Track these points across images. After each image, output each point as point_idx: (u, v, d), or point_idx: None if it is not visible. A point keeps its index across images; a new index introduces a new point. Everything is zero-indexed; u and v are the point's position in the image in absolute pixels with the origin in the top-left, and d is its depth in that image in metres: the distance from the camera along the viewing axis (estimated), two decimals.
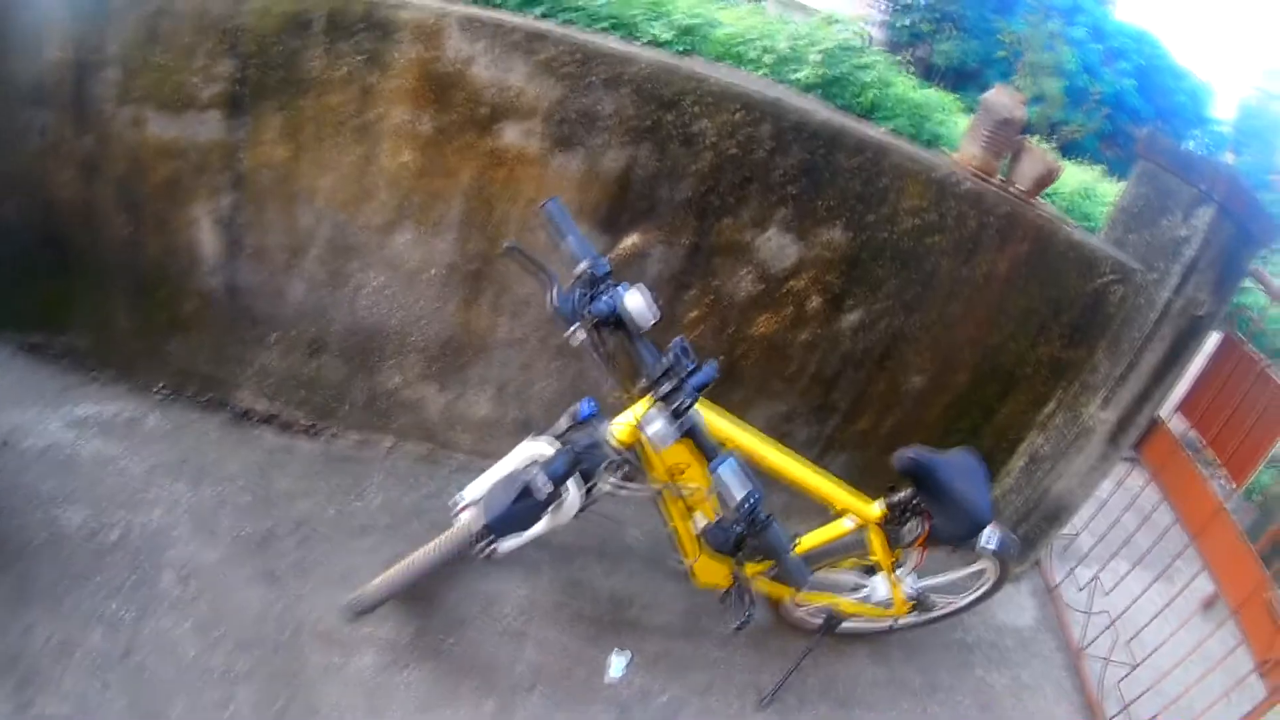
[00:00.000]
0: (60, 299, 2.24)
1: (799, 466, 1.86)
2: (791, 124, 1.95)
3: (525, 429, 2.31)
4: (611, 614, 2.16)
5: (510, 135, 1.92)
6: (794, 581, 1.50)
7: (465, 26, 1.85)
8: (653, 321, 1.47)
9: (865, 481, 2.66)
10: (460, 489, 1.83)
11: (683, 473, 1.64)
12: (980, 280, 2.24)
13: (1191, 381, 2.75)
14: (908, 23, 12.89)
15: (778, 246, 2.07)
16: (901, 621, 2.35)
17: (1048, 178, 2.30)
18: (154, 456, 2.09)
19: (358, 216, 2.01)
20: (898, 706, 2.34)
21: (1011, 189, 2.26)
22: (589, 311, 1.44)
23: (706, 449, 1.56)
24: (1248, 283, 2.66)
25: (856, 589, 2.26)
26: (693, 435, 1.53)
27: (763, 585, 2.08)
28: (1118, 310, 2.46)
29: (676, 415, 1.46)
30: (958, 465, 1.92)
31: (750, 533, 1.46)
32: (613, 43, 1.93)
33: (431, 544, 1.70)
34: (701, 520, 1.65)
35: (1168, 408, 2.76)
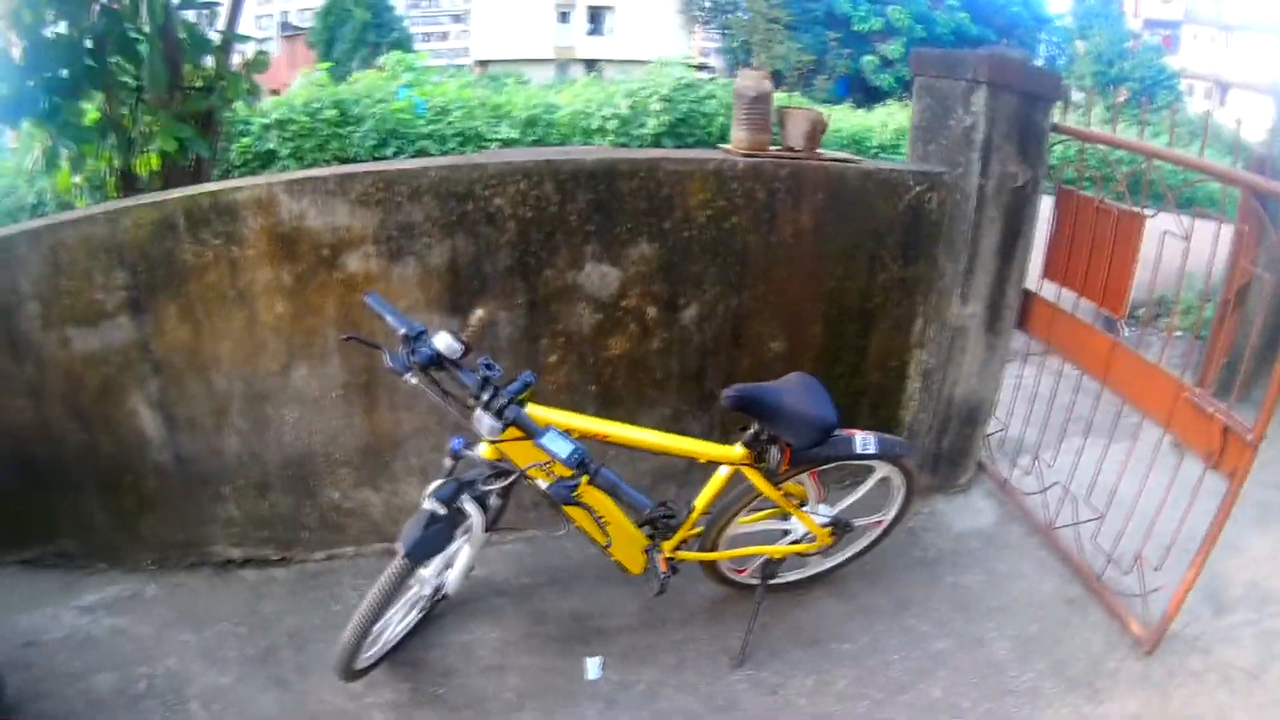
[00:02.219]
0: (42, 513, 2.59)
1: (649, 434, 2.12)
2: (568, 174, 2.31)
3: None
4: (577, 629, 2.41)
5: (352, 264, 2.31)
6: (637, 507, 1.76)
7: (289, 190, 2.26)
8: (459, 351, 1.84)
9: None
10: None
11: (533, 453, 1.89)
12: (791, 239, 2.53)
13: (1045, 246, 2.90)
14: (740, 43, 13.62)
15: (599, 277, 2.40)
16: (845, 556, 2.54)
17: (815, 130, 2.60)
18: (158, 618, 2.45)
19: (259, 367, 2.40)
20: (870, 630, 2.48)
21: (787, 153, 2.56)
22: (414, 360, 1.83)
23: (530, 431, 1.82)
24: (1061, 141, 2.81)
25: (785, 536, 2.47)
26: (519, 425, 1.82)
27: (689, 556, 2.32)
28: (940, 215, 2.70)
29: (499, 414, 1.80)
30: (784, 387, 2.16)
31: (588, 481, 1.73)
32: (406, 164, 2.34)
33: (371, 590, 1.99)
34: (542, 483, 1.90)
35: (1034, 278, 2.94)
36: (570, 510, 2.08)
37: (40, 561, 2.72)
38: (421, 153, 5.09)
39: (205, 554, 2.62)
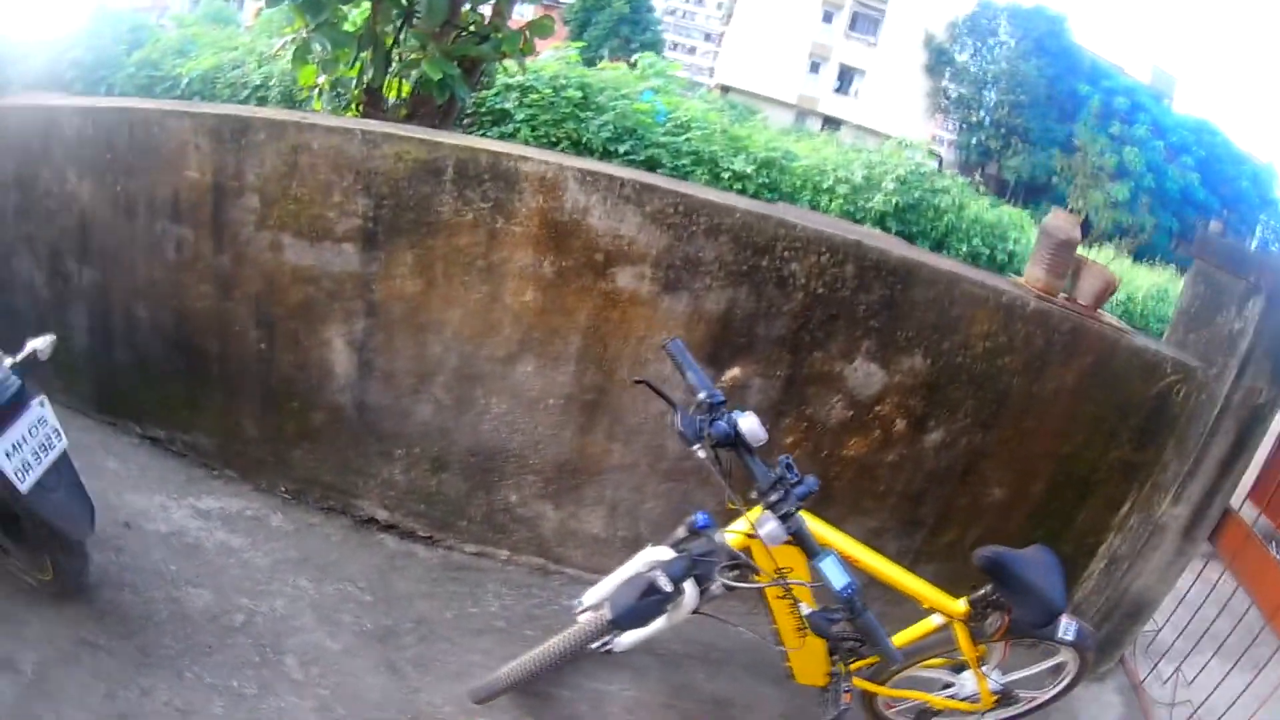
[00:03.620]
0: (185, 400, 2.48)
1: (890, 566, 2.04)
2: (872, 263, 2.16)
3: (633, 547, 2.49)
4: (714, 714, 2.30)
5: (623, 279, 2.16)
6: (890, 659, 1.68)
7: (581, 180, 2.11)
8: (763, 441, 1.71)
9: (954, 590, 2.79)
10: (572, 599, 2.04)
11: (791, 573, 1.83)
12: (1050, 394, 2.40)
13: (1259, 468, 2.82)
14: (975, 141, 13.33)
15: (864, 375, 2.26)
16: (988, 716, 2.45)
17: (1106, 291, 2.46)
18: (277, 552, 2.30)
19: (483, 348, 2.26)
20: None
21: (1074, 305, 2.43)
22: (709, 433, 1.68)
23: (810, 549, 1.75)
24: None
25: (945, 686, 2.38)
26: (798, 537, 1.72)
27: (858, 683, 2.22)
28: (1182, 409, 2.58)
29: (785, 519, 1.67)
30: (1032, 559, 2.06)
31: (849, 618, 1.65)
32: (712, 195, 2.18)
33: (554, 640, 1.89)
34: (806, 608, 1.82)
35: (1237, 497, 2.84)
36: (774, 605, 1.97)
37: (168, 444, 2.58)
38: (652, 160, 4.91)
39: (349, 504, 2.48)
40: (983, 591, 2.05)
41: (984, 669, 2.29)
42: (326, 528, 2.48)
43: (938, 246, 4.69)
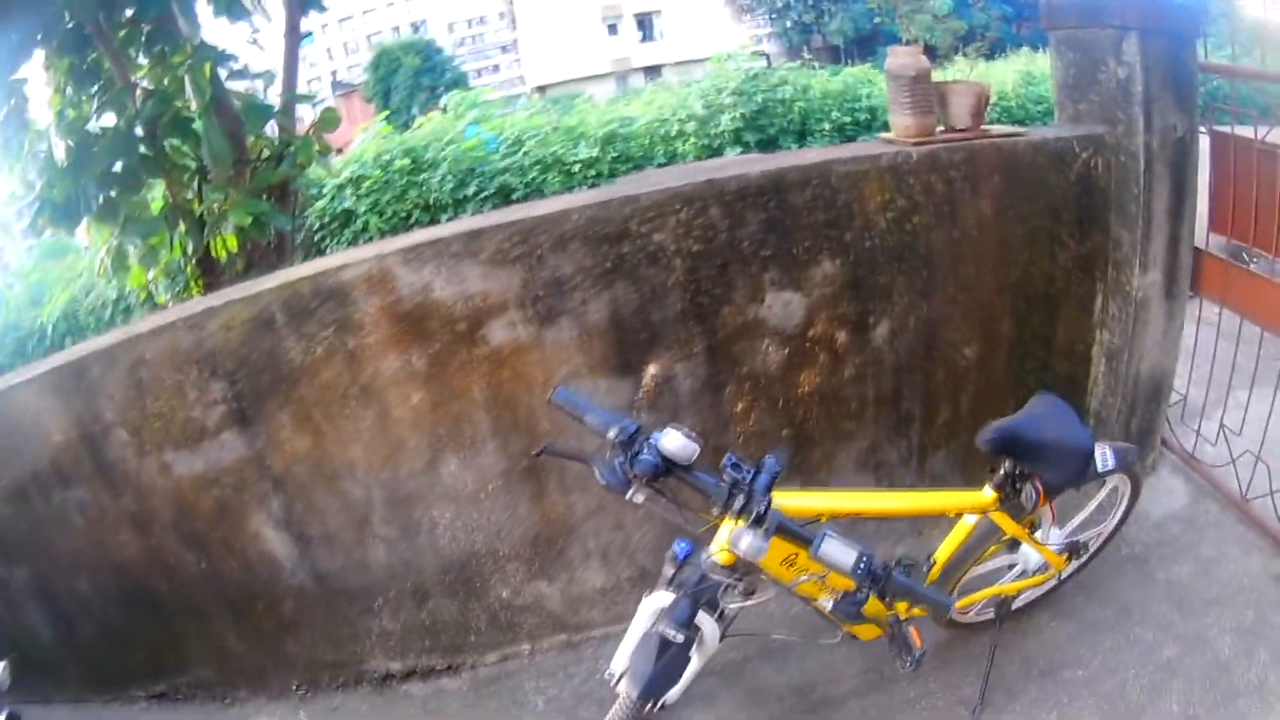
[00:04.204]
0: (165, 646, 2.33)
1: (900, 498, 1.88)
2: (734, 194, 1.97)
3: (645, 579, 2.34)
4: (801, 704, 2.15)
5: (496, 335, 1.97)
6: (939, 610, 1.51)
7: (407, 260, 1.91)
8: (696, 451, 1.50)
9: (976, 466, 2.65)
10: (608, 660, 1.87)
11: (795, 561, 1.66)
12: (974, 231, 2.23)
13: (1207, 199, 2.67)
14: (790, 24, 13.04)
15: (782, 308, 2.08)
16: (1066, 573, 2.32)
17: (981, 104, 2.28)
18: None
19: (400, 469, 2.07)
20: (1099, 649, 2.27)
21: (956, 134, 2.25)
22: (636, 472, 1.48)
23: (800, 539, 1.57)
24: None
25: (1010, 568, 2.23)
26: (782, 533, 1.54)
27: (919, 613, 2.07)
28: (1108, 180, 2.42)
29: (759, 523, 1.48)
30: (1039, 415, 1.92)
31: (876, 592, 1.48)
32: (541, 208, 1.98)
33: None
34: (827, 600, 1.64)
35: (1200, 235, 2.70)
36: (800, 591, 1.79)
37: (174, 694, 2.42)
38: (504, 189, 4.71)
39: (360, 671, 2.32)
40: (1004, 470, 1.89)
41: (1039, 536, 2.15)
42: (351, 703, 2.33)
43: (802, 136, 4.56)
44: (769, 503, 1.49)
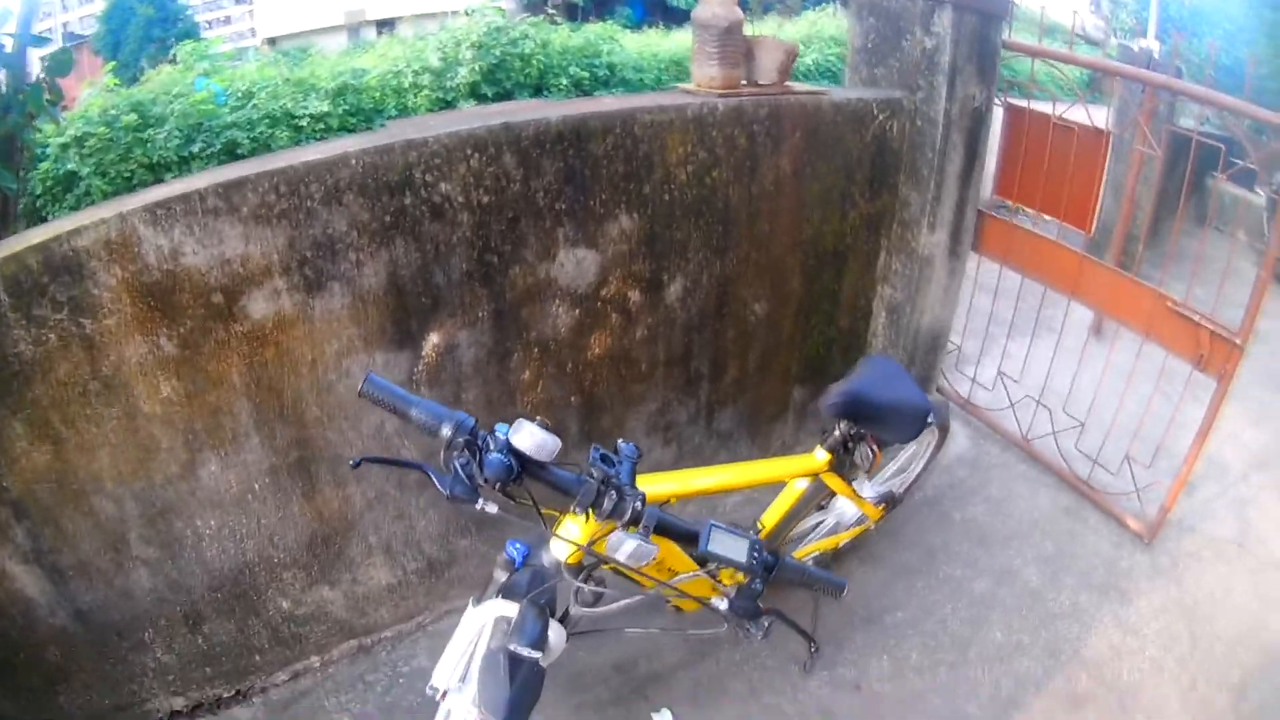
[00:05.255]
0: None
1: (738, 470, 1.85)
2: (532, 139, 1.80)
3: (433, 572, 2.16)
4: (627, 683, 2.06)
5: (257, 308, 1.68)
6: (834, 589, 1.43)
7: (153, 219, 1.54)
8: (558, 446, 1.29)
9: (761, 421, 2.66)
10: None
11: (669, 558, 1.54)
12: (772, 188, 2.22)
13: (995, 164, 2.85)
14: None
15: (574, 265, 1.95)
16: (882, 523, 2.39)
17: (789, 59, 2.26)
18: None
19: (153, 475, 1.72)
20: (914, 591, 2.39)
21: (762, 88, 2.22)
22: (485, 478, 1.22)
23: (684, 531, 1.42)
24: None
25: (821, 524, 2.27)
26: (665, 530, 1.39)
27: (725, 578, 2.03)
28: (901, 142, 2.51)
29: (636, 521, 1.31)
30: (876, 378, 1.93)
31: (771, 579, 1.37)
32: (312, 153, 1.69)
33: None
34: (719, 601, 1.45)
35: (984, 198, 2.88)
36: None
37: None
38: (230, 145, 4.17)
39: (144, 713, 1.94)
40: (838, 433, 1.89)
41: (855, 487, 2.18)
42: None
43: (538, 91, 4.47)
44: (643, 498, 1.31)
